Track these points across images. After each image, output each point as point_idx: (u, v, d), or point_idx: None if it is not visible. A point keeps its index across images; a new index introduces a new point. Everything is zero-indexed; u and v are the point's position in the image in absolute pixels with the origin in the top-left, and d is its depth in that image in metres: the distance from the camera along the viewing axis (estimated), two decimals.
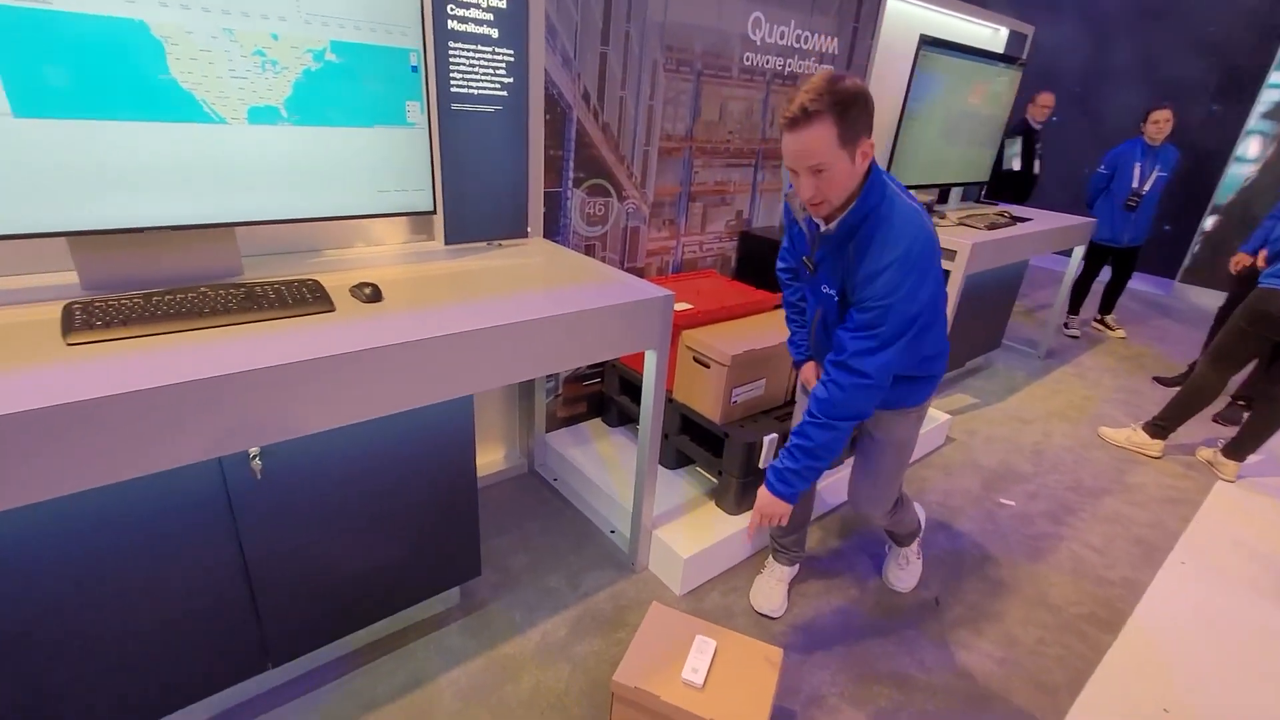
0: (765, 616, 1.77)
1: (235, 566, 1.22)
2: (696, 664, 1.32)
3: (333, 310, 1.25)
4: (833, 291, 1.37)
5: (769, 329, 2.04)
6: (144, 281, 1.26)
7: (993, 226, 2.74)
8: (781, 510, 1.41)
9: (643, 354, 1.63)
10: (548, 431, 2.31)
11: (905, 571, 1.91)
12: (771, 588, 1.80)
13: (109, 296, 1.16)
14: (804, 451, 1.36)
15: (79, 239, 1.20)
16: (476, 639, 1.63)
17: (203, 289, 1.23)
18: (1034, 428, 2.95)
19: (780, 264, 1.62)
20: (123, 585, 1.11)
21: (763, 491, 1.42)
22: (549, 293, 1.47)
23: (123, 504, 1.07)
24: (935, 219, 2.79)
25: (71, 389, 0.90)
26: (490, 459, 2.26)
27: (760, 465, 1.92)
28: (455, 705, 1.46)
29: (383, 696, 1.46)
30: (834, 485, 2.22)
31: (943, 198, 3.23)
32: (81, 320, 1.08)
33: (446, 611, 1.70)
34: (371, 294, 1.32)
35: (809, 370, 1.65)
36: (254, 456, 1.16)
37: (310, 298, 1.26)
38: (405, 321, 1.23)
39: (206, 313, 1.15)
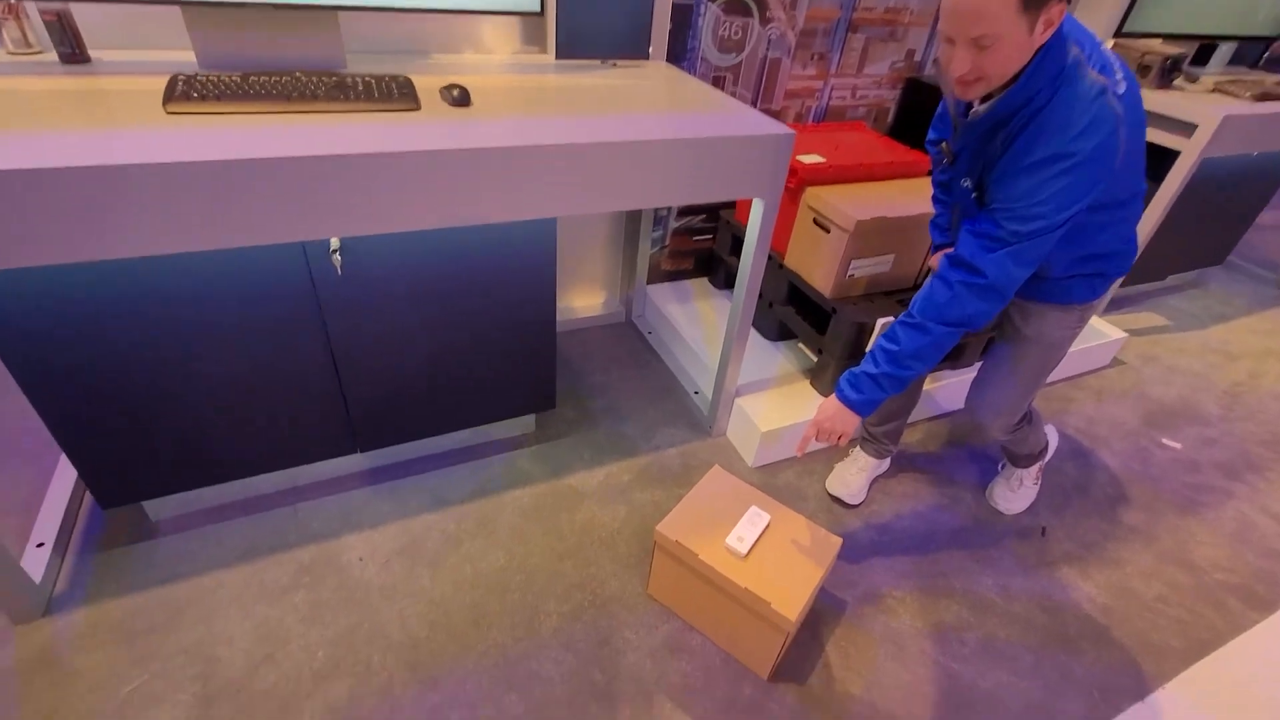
0: (839, 502, 1.67)
1: (323, 353, 1.30)
2: (744, 533, 1.26)
3: (417, 109, 1.18)
4: (970, 185, 1.09)
5: (911, 197, 1.73)
6: (252, 63, 1.26)
7: (1262, 97, 2.06)
8: (845, 426, 1.24)
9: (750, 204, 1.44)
10: (650, 284, 2.22)
11: (1015, 495, 1.69)
12: (852, 475, 1.67)
13: (211, 73, 1.17)
14: (888, 356, 1.16)
15: (191, 9, 1.19)
16: (545, 466, 1.68)
17: (298, 74, 1.20)
18: (1239, 366, 2.40)
19: (931, 134, 1.31)
20: (224, 350, 1.22)
21: (828, 401, 1.25)
22: (651, 116, 1.30)
23: (223, 282, 1.14)
24: (1177, 82, 2.15)
25: (162, 150, 0.92)
26: (588, 302, 2.23)
27: (867, 349, 1.72)
28: (514, 519, 1.54)
29: (452, 498, 1.57)
30: (949, 389, 1.96)
31: (1202, 56, 2.46)
32: (182, 91, 1.09)
33: (522, 436, 1.76)
34: (459, 96, 1.23)
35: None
36: (334, 250, 1.17)
37: (397, 94, 1.20)
38: (485, 128, 1.14)
39: (295, 97, 1.13)
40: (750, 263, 1.50)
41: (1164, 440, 2.01)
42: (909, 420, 1.71)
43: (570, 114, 1.25)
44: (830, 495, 1.68)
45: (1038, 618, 1.45)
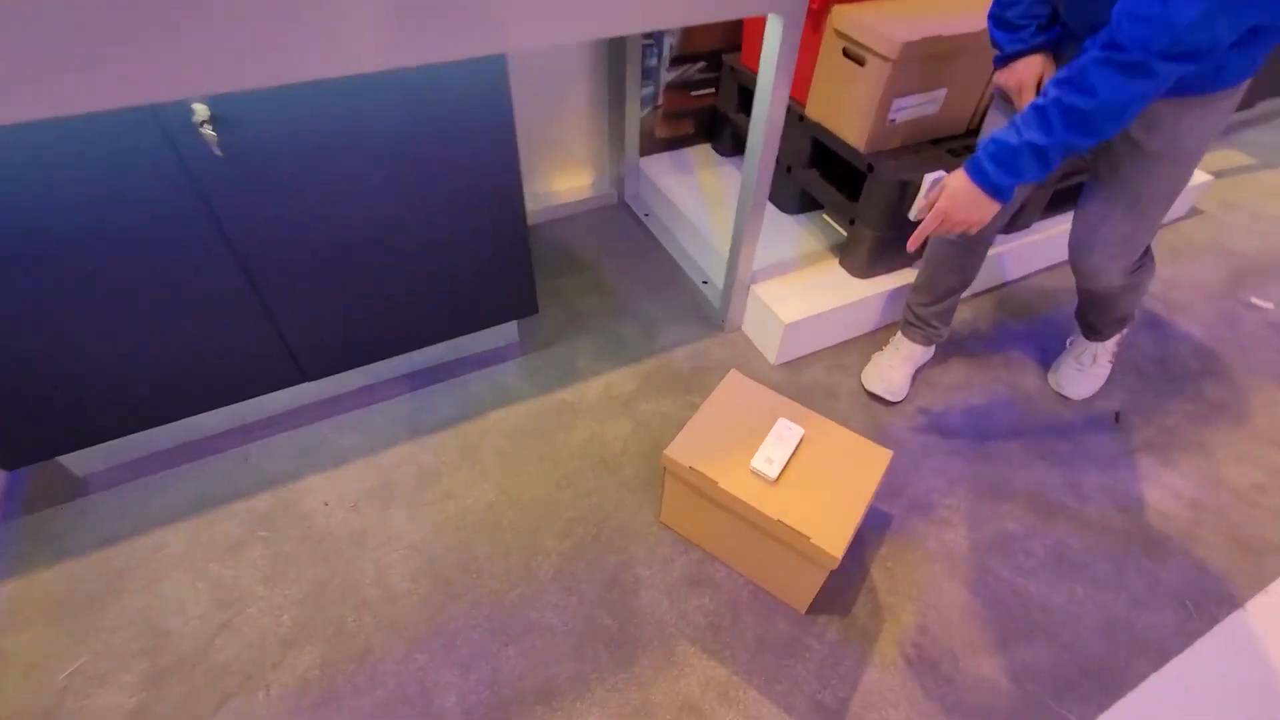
0: (877, 399, 1.43)
1: (227, 263, 1.02)
2: (773, 453, 1.03)
3: None
4: None
5: (966, 10, 1.34)
6: None
7: None
8: (981, 215, 0.98)
9: (762, 31, 1.08)
10: (643, 155, 1.87)
11: (1084, 375, 1.44)
12: (894, 367, 1.42)
13: None
14: (1072, 118, 0.84)
15: None
16: (533, 380, 1.45)
17: None
18: None
19: None
20: (92, 275, 0.94)
21: (959, 182, 0.98)
22: None
23: (65, 182, 0.84)
24: None
25: None
26: (572, 184, 1.89)
27: (911, 215, 1.41)
28: (501, 445, 1.32)
29: (427, 425, 1.35)
30: (1006, 256, 1.66)
31: None
32: None
33: (505, 348, 1.51)
34: None
35: (1023, 70, 1.03)
36: (201, 122, 0.86)
37: None
38: None
39: None
40: (767, 111, 1.16)
41: (1253, 300, 1.72)
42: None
43: None
44: (868, 392, 1.44)
45: (1115, 519, 1.24)
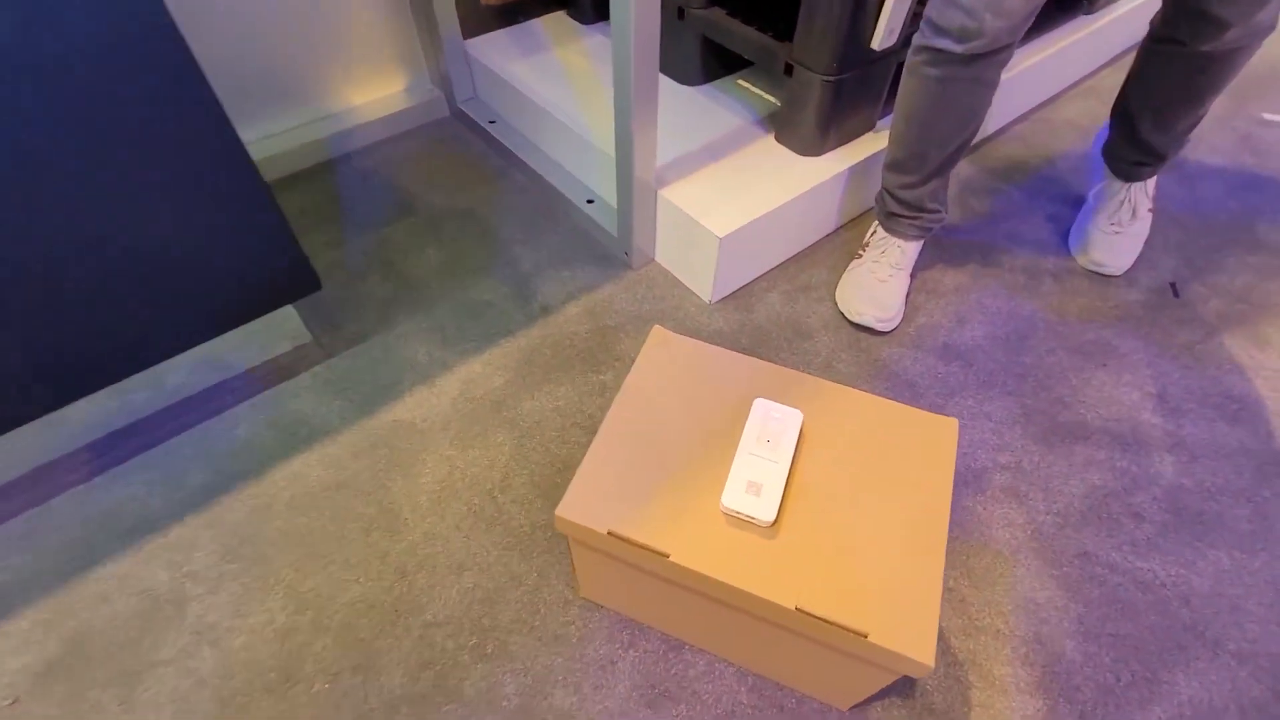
0: (865, 330, 0.98)
1: None
2: (758, 470, 0.55)
3: None
4: None
5: None
6: None
7: None
8: None
9: None
10: (470, 37, 1.29)
11: (1124, 236, 1.04)
12: (881, 282, 0.97)
13: None
14: None
15: None
16: (344, 398, 0.90)
17: None
18: None
19: None
20: None
21: None
22: None
23: None
24: None
25: None
26: (377, 94, 1.30)
27: (875, 44, 0.93)
28: (295, 520, 0.78)
29: (156, 513, 0.79)
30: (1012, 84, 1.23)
31: None
32: None
33: (291, 353, 0.95)
34: None
35: None
36: None
37: None
38: None
39: None
40: None
41: (1265, 116, 1.39)
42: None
43: None
44: (851, 323, 0.99)
45: (1227, 436, 0.86)
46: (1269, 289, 1.04)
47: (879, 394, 0.90)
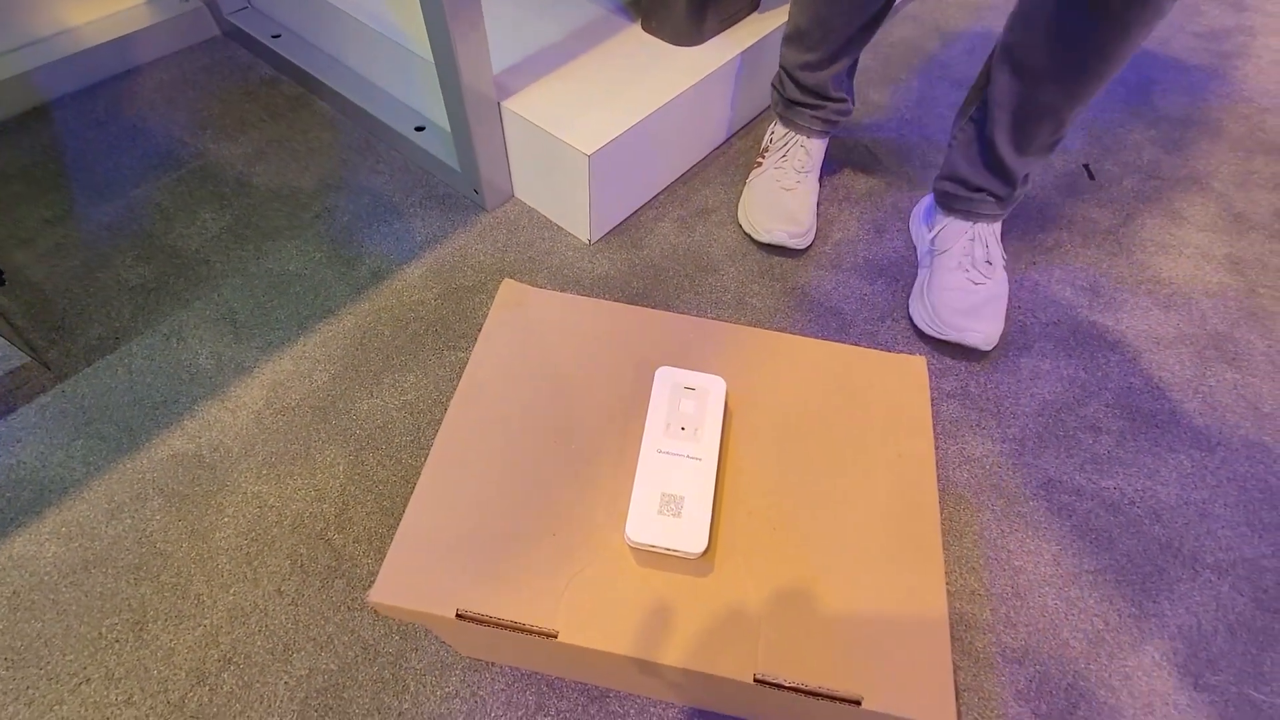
0: (777, 252, 0.82)
1: None
2: (673, 477, 0.37)
3: None
4: None
5: None
6: None
7: None
8: None
9: None
10: None
11: (992, 284, 0.73)
12: (785, 186, 0.81)
13: None
14: None
15: None
16: (89, 432, 0.63)
17: None
18: None
19: None
20: None
21: None
22: None
23: None
24: None
25: None
26: (107, 9, 0.95)
27: None
28: (17, 622, 0.53)
29: None
30: None
31: None
32: None
33: (4, 379, 0.66)
34: None
35: None
36: None
37: None
38: None
39: None
40: None
41: None
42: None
43: None
44: (759, 244, 0.82)
45: (1163, 325, 0.79)
46: (1174, 161, 0.98)
47: (803, 328, 0.76)
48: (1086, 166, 0.97)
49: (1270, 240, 0.89)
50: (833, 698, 0.32)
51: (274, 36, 0.98)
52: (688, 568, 0.36)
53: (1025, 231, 0.87)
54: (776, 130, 0.84)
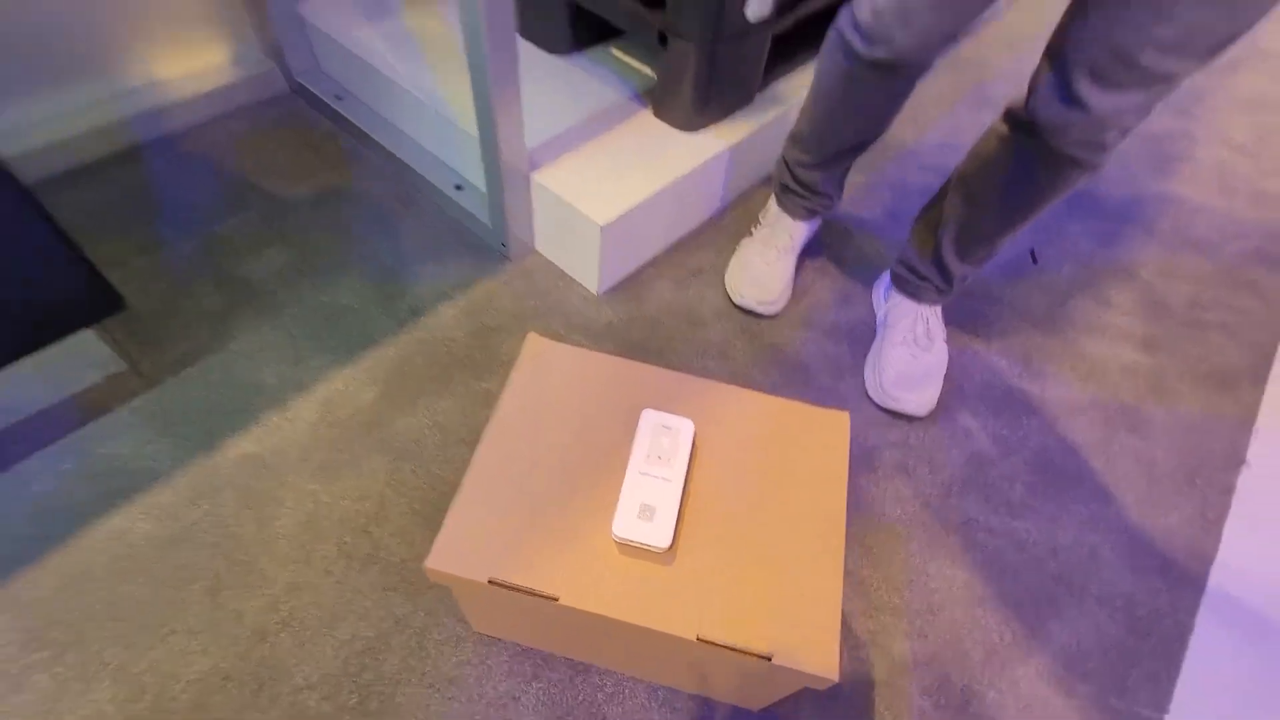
0: (750, 313, 0.97)
1: None
2: (650, 491, 0.51)
3: None
4: None
5: None
6: None
7: None
8: None
9: None
10: None
11: (930, 357, 0.88)
12: (769, 264, 0.95)
13: None
14: None
15: None
16: (174, 432, 0.77)
17: None
18: None
19: None
20: None
21: None
22: None
23: None
24: None
25: None
26: (198, 65, 1.11)
27: (749, 13, 0.89)
28: (117, 586, 0.66)
29: None
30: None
31: None
32: None
33: (105, 385, 0.79)
34: None
35: None
36: None
37: None
38: None
39: None
40: None
41: None
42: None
43: None
44: (736, 306, 0.97)
45: (1079, 395, 0.93)
46: (1107, 252, 1.13)
47: (773, 379, 0.89)
48: (1032, 252, 1.12)
49: (1183, 326, 1.03)
50: (753, 654, 0.45)
51: (336, 97, 1.14)
52: (656, 558, 0.49)
53: (972, 306, 1.02)
54: (771, 206, 0.99)
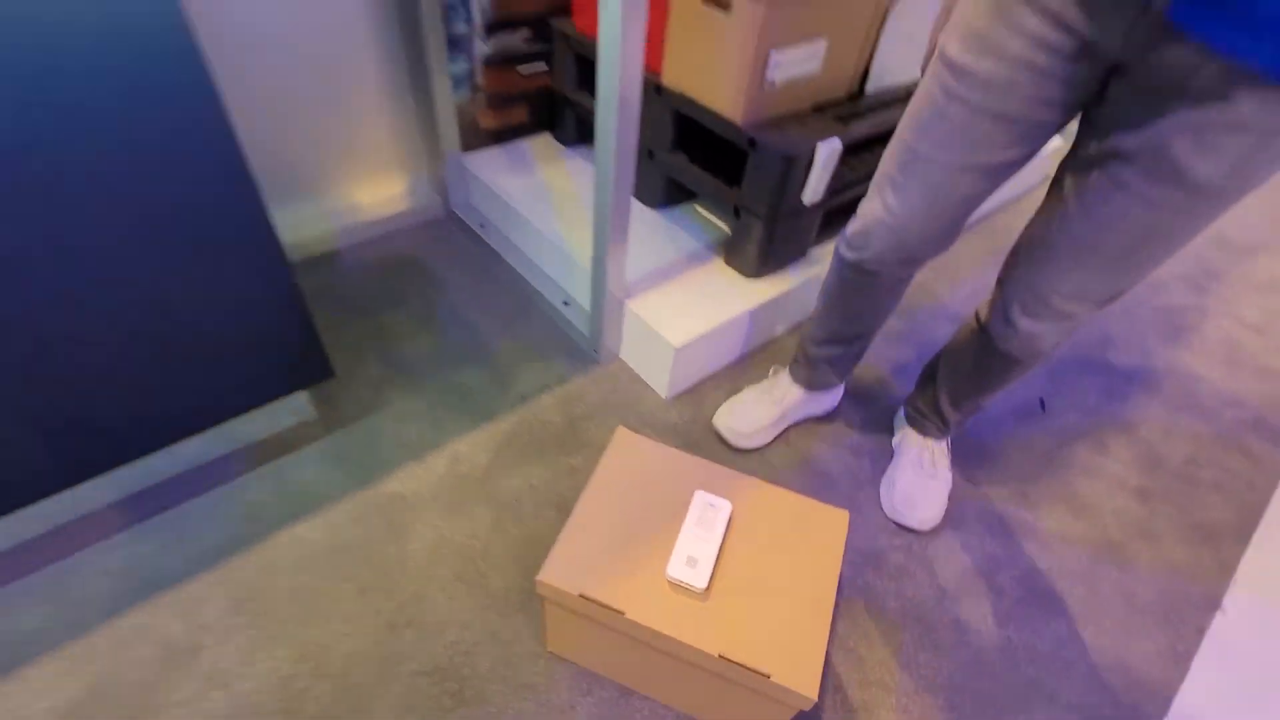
0: (728, 445, 1.13)
1: None
2: (695, 548, 0.72)
3: None
4: None
5: None
6: None
7: None
8: None
9: None
10: (467, 150, 1.49)
11: (935, 483, 1.07)
12: (759, 405, 1.13)
13: None
14: None
15: None
16: (342, 469, 1.03)
17: None
18: None
19: None
20: None
21: None
22: None
23: None
24: None
25: None
26: (382, 193, 1.47)
27: (807, 199, 1.17)
28: (299, 578, 0.90)
29: (173, 569, 0.89)
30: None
31: None
32: None
33: (296, 428, 1.07)
34: None
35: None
36: None
37: None
38: None
39: None
40: (616, 87, 0.84)
41: None
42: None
43: None
44: (714, 427, 1.14)
45: (1073, 529, 1.08)
46: (1113, 407, 1.29)
47: (801, 482, 1.09)
48: (1041, 400, 1.29)
49: (1176, 480, 1.17)
50: (757, 671, 0.63)
51: (480, 225, 1.48)
52: (695, 595, 0.69)
53: (980, 441, 1.19)
54: (784, 369, 1.16)
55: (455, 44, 1.32)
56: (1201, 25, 0.52)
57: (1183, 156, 0.59)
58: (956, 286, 1.54)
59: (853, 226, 0.87)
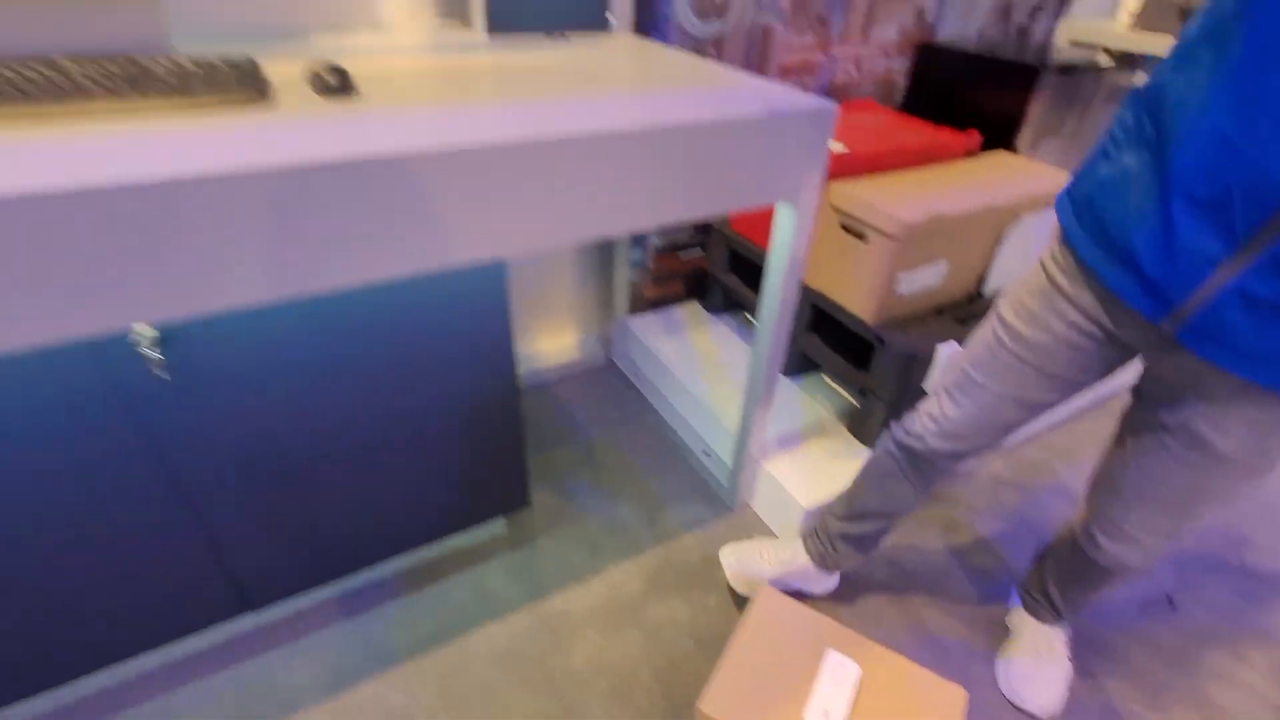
0: (734, 594, 1.24)
1: (167, 499, 0.85)
2: (829, 702, 0.85)
3: (262, 99, 0.75)
4: None
5: (955, 187, 1.36)
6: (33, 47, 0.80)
7: None
8: None
9: (767, 213, 1.04)
10: (631, 313, 1.81)
11: (1054, 668, 1.11)
12: (761, 559, 1.20)
13: None
14: None
15: None
16: (522, 583, 1.25)
17: (64, 61, 0.75)
18: None
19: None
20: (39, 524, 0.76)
21: None
22: (627, 100, 0.88)
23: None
24: None
25: None
26: (557, 344, 1.80)
27: (926, 388, 1.34)
28: (486, 672, 1.10)
29: (399, 648, 1.13)
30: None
31: None
32: None
33: (489, 542, 1.32)
34: (337, 83, 0.79)
35: None
36: (145, 342, 0.72)
37: (232, 81, 0.75)
38: (377, 126, 0.71)
39: (51, 95, 0.68)
40: (780, 287, 1.09)
41: None
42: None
43: (510, 103, 0.83)
44: (731, 587, 1.25)
45: None
46: (1250, 612, 1.28)
47: (914, 647, 1.18)
48: (1169, 597, 1.31)
49: None
50: None
51: (635, 376, 1.76)
52: None
53: (1102, 634, 1.23)
54: (798, 540, 1.20)
55: (636, 240, 1.67)
56: (1205, 350, 0.65)
57: (1206, 434, 0.72)
58: (1074, 466, 1.60)
59: (910, 420, 0.97)
